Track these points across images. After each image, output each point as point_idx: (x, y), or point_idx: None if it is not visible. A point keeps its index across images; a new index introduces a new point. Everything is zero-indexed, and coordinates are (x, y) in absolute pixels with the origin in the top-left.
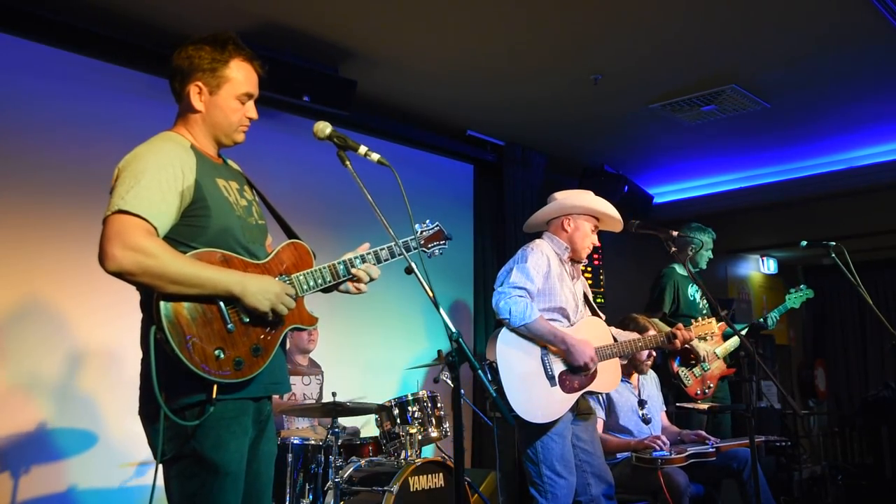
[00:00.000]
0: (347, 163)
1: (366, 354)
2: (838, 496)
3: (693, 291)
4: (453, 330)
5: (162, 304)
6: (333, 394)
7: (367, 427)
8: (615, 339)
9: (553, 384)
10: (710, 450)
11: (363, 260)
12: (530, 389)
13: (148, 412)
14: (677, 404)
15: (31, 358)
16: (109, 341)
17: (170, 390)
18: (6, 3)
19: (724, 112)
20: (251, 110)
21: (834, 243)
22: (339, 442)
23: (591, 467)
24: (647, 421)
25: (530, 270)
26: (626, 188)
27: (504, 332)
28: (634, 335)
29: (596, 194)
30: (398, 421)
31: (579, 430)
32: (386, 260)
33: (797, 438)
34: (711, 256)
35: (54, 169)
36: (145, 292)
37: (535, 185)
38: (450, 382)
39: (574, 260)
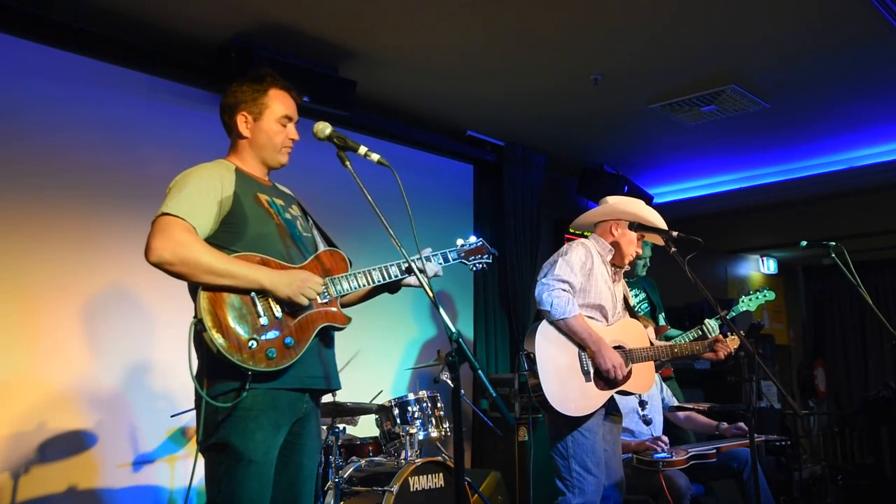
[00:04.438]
0: (347, 163)
1: (366, 354)
2: (838, 496)
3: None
4: (453, 330)
5: (202, 293)
6: (333, 394)
7: (368, 427)
8: (651, 344)
9: (588, 379)
10: (711, 451)
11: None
12: (566, 382)
13: (195, 401)
14: (676, 405)
15: (31, 358)
16: (109, 343)
17: (211, 380)
18: (6, 3)
19: (724, 112)
20: (292, 132)
21: (834, 243)
22: (339, 442)
23: (608, 467)
24: (647, 422)
25: (575, 264)
26: (626, 188)
27: (544, 324)
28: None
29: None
30: (398, 421)
31: (605, 429)
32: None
33: (797, 438)
34: (648, 265)
35: (57, 170)
36: (191, 288)
37: (535, 185)
38: (450, 382)
39: (615, 265)
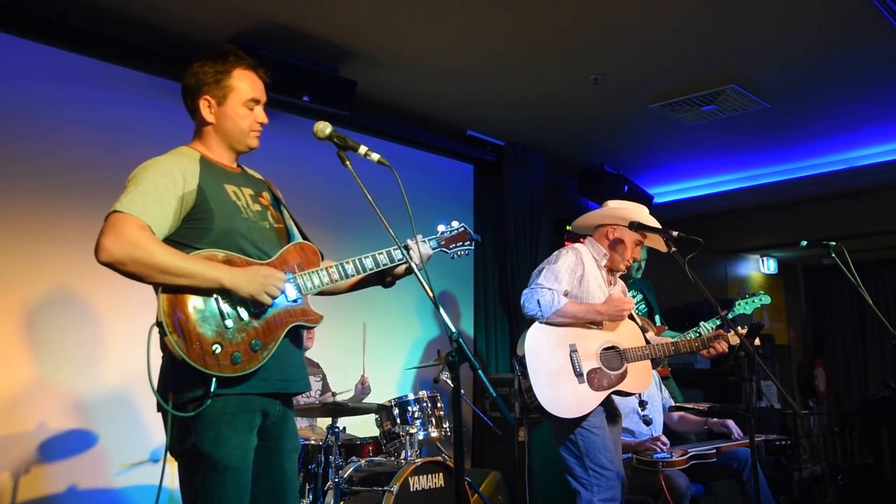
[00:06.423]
0: (347, 163)
1: (366, 354)
2: (838, 496)
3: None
4: (453, 330)
5: (162, 295)
6: (333, 394)
7: (368, 426)
8: (647, 343)
9: (581, 381)
10: (711, 451)
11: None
12: (558, 385)
13: (158, 407)
14: (676, 405)
15: (31, 359)
16: (109, 343)
17: (176, 385)
18: (6, 2)
19: (724, 112)
20: (261, 115)
21: (834, 243)
22: (339, 442)
23: None
24: (647, 422)
25: (560, 272)
26: (626, 188)
27: (534, 327)
28: (667, 339)
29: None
30: (398, 421)
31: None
32: (385, 265)
33: (797, 438)
34: (642, 267)
35: (57, 170)
36: (155, 288)
37: (535, 185)
38: (450, 382)
39: (612, 269)
